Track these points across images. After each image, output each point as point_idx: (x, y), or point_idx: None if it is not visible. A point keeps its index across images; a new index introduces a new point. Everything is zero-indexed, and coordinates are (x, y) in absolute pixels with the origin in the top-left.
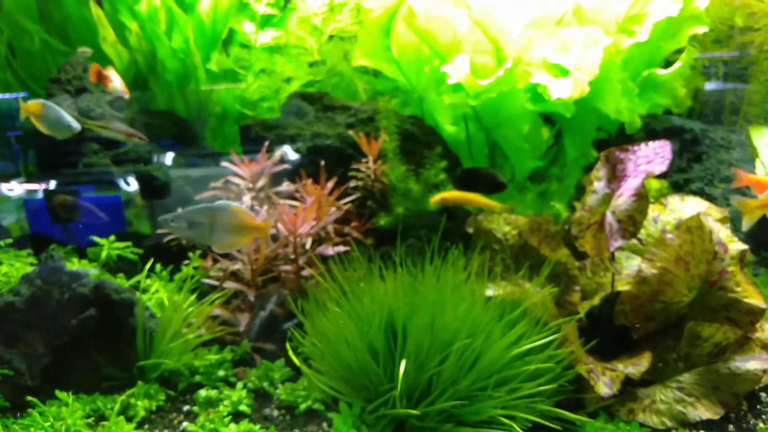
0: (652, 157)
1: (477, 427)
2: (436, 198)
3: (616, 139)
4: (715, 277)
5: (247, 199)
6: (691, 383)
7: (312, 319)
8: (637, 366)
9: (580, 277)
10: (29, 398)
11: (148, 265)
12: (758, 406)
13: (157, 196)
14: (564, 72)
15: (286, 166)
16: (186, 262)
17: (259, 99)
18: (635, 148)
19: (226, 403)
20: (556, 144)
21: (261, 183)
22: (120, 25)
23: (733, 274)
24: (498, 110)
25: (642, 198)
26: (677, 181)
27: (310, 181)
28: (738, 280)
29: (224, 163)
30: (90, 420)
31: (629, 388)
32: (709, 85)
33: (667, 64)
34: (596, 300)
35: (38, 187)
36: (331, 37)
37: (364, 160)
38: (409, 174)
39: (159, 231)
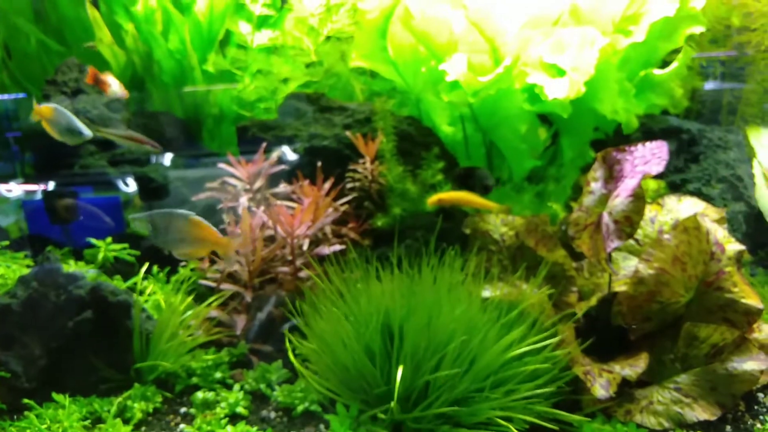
0: (649, 158)
1: (474, 428)
2: (433, 199)
3: (613, 140)
4: (712, 277)
5: (244, 200)
6: (689, 384)
7: (309, 321)
8: (634, 367)
9: (577, 278)
10: (26, 401)
11: (144, 267)
12: (756, 407)
13: (154, 198)
14: (560, 72)
15: (283, 167)
16: (183, 263)
17: (256, 100)
18: (632, 148)
19: (223, 405)
20: (553, 144)
21: (258, 184)
22: (116, 26)
23: (730, 274)
24: (495, 110)
25: (639, 198)
26: (674, 181)
27: (307, 182)
28: (735, 281)
29: (221, 164)
30: (87, 422)
31: (626, 389)
32: (707, 85)
33: (664, 64)
34: (593, 301)
35: (37, 188)
36: (328, 37)
37: (361, 160)
38: (406, 175)
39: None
